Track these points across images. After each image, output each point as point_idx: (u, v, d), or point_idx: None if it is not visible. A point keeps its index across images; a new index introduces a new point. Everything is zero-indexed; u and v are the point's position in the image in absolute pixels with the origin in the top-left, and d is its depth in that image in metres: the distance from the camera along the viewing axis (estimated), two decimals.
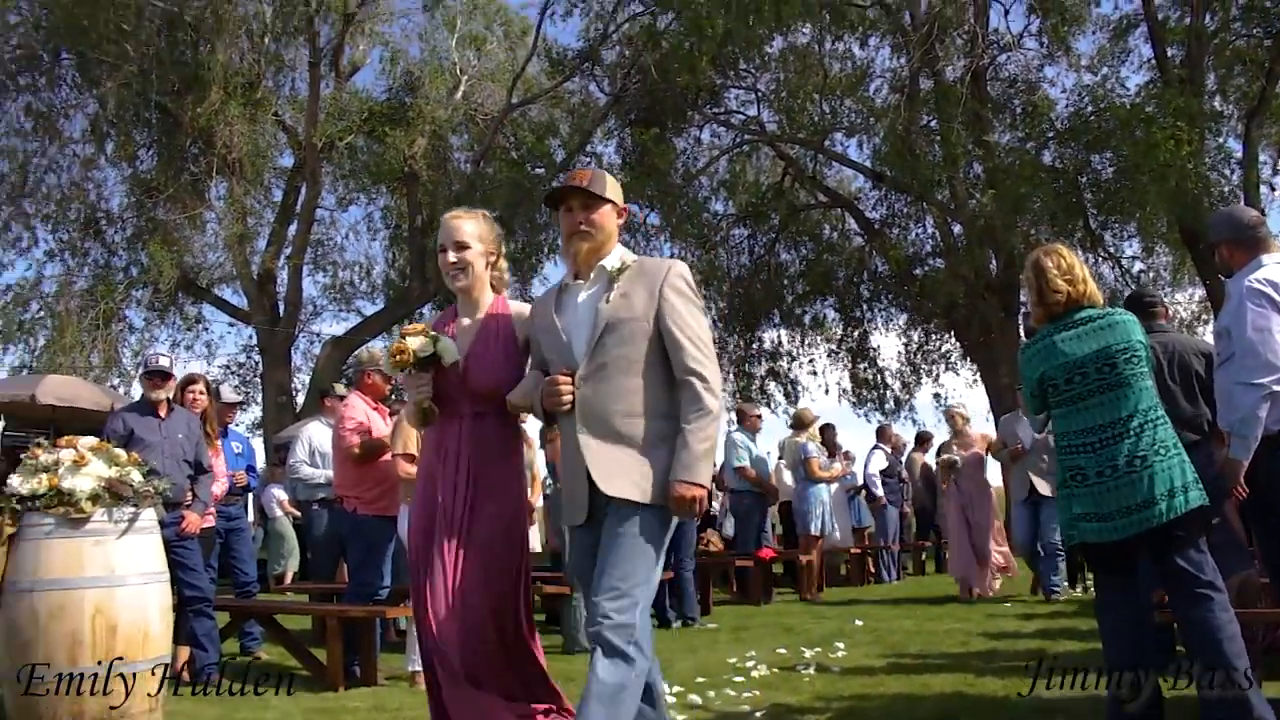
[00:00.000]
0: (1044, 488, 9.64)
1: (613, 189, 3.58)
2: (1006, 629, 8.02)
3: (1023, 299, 20.82)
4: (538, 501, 8.11)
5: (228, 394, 8.51)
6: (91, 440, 5.41)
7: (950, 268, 19.64)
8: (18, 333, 20.07)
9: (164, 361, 6.62)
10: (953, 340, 22.54)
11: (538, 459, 8.08)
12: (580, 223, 3.51)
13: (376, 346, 16.36)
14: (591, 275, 3.51)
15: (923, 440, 15.88)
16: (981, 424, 14.81)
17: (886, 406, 23.41)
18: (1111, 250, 20.35)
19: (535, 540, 7.92)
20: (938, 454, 13.19)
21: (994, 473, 12.64)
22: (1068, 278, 4.07)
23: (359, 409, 6.72)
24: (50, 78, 20.52)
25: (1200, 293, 20.66)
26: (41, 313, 20.50)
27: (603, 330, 3.35)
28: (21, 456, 5.24)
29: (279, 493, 13.12)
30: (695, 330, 3.34)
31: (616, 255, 3.54)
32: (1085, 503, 3.91)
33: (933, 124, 18.99)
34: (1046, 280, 4.10)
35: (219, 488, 7.03)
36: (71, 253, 21.33)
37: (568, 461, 3.44)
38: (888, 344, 36.20)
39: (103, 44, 18.68)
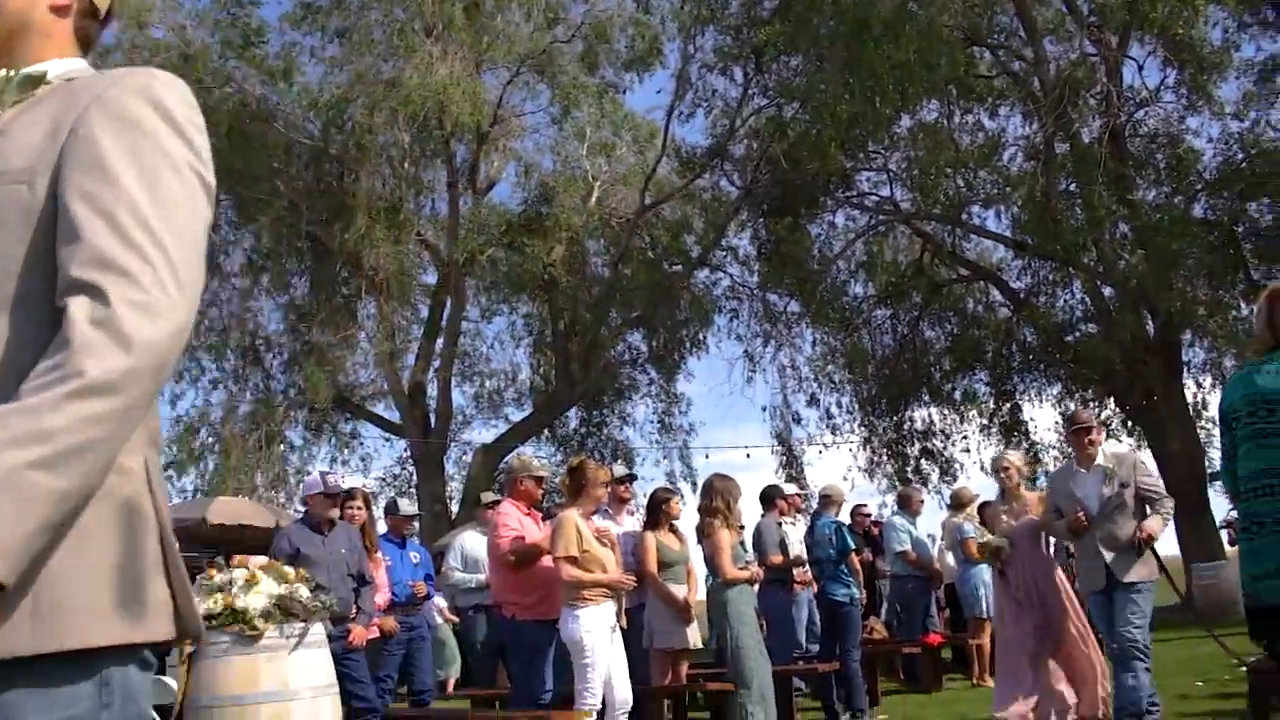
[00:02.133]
0: (1130, 571, 6.55)
1: None
2: (1198, 709, 7.53)
3: (1186, 358, 20.04)
4: (697, 595, 8.02)
5: (405, 506, 8.75)
6: (261, 559, 5.58)
7: (1104, 332, 19.01)
8: (189, 460, 20.97)
9: (341, 482, 6.84)
10: (1113, 406, 21.69)
11: (693, 554, 8.00)
12: None
13: (527, 453, 16.57)
14: None
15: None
16: None
17: (1039, 482, 22.48)
18: None
19: (698, 637, 7.80)
20: (981, 521, 9.29)
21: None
22: None
23: (512, 515, 6.78)
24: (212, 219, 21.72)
25: None
26: (210, 438, 21.43)
27: None
28: (197, 577, 5.43)
29: (439, 600, 13.29)
30: (129, 193, 1.43)
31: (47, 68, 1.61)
32: (1262, 557, 3.49)
33: (1072, 187, 18.58)
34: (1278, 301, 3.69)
35: (381, 598, 7.16)
36: (234, 380, 22.35)
37: None
38: (1042, 415, 34.96)
39: (257, 183, 19.78)
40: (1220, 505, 18.02)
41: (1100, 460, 6.86)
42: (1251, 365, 3.74)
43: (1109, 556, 6.53)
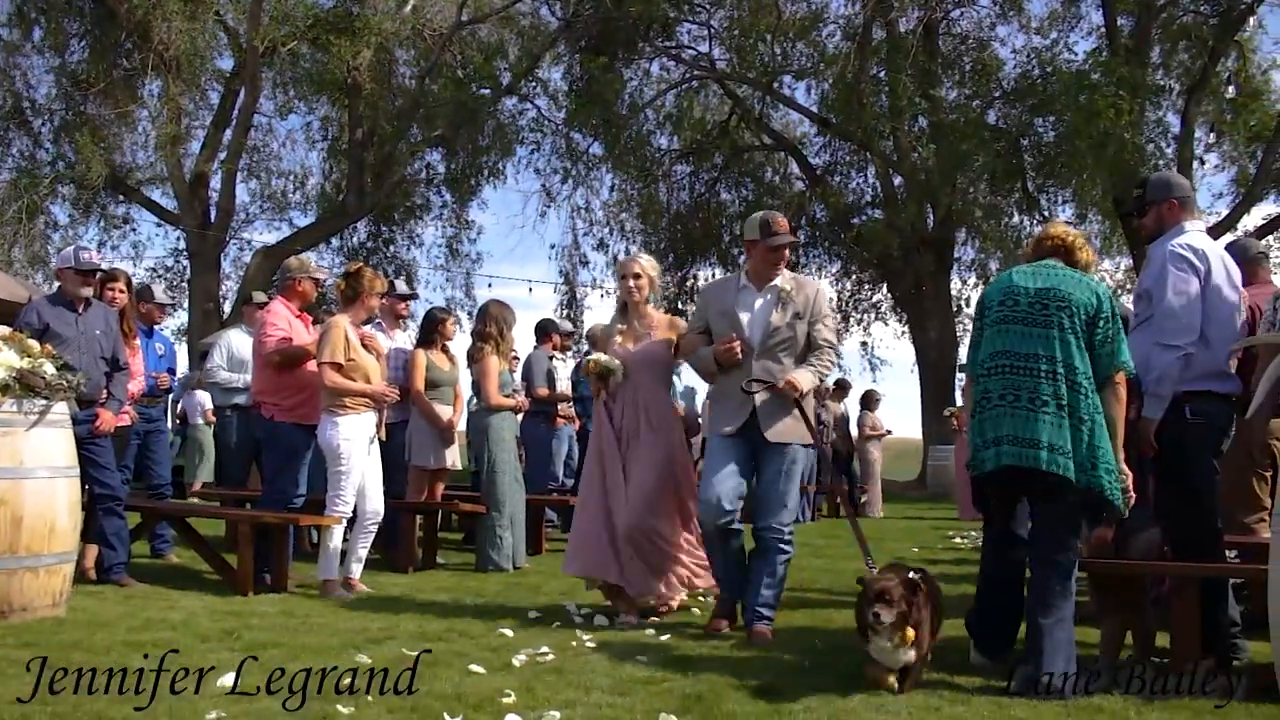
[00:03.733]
0: (779, 424, 5.11)
1: None
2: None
3: (957, 255, 21.17)
4: (460, 423, 8.11)
5: (159, 294, 8.31)
6: (3, 330, 5.29)
7: (888, 219, 19.81)
8: None
9: (96, 259, 6.43)
10: (884, 291, 22.79)
11: (462, 377, 8.07)
12: None
13: (308, 256, 16.14)
14: None
15: (841, 388, 16.04)
16: (907, 374, 14.62)
17: None
18: (1046, 214, 20.63)
19: (457, 459, 7.93)
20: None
21: None
22: (1072, 235, 4.30)
23: (281, 315, 6.64)
24: None
25: (1128, 262, 21.08)
26: None
27: None
28: None
29: (204, 399, 12.97)
30: None
31: None
32: (984, 429, 3.99)
33: (882, 75, 19.03)
34: (1052, 224, 4.42)
35: (135, 386, 6.93)
36: None
37: None
38: None
39: None
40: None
41: (777, 281, 5.25)
42: (1014, 269, 4.26)
43: (759, 399, 5.06)
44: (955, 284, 21.41)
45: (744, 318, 5.20)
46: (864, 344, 23.80)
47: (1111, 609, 4.32)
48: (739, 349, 5.10)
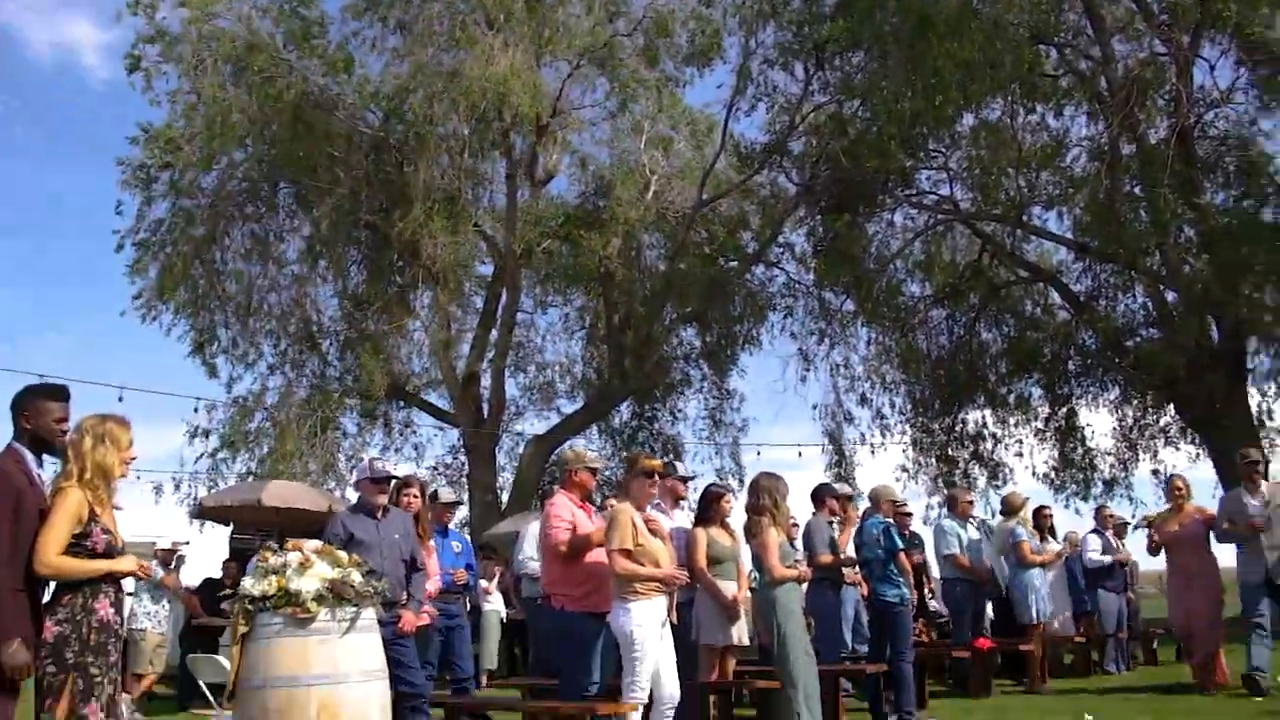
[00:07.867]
0: None
1: None
2: None
3: (1251, 366, 19.61)
4: (745, 592, 7.97)
5: (445, 494, 8.73)
6: (316, 543, 5.64)
7: (1167, 337, 18.67)
8: (244, 442, 21.24)
9: (389, 468, 6.87)
10: (1172, 414, 21.30)
11: (743, 552, 7.96)
12: None
13: (580, 445, 16.62)
14: None
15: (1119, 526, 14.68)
16: (1208, 500, 13.32)
17: (1094, 489, 22.01)
18: None
19: (744, 635, 7.76)
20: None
21: None
22: None
23: (565, 507, 6.78)
24: (270, 205, 22.13)
25: None
26: (265, 422, 21.68)
27: None
28: (253, 559, 5.51)
29: (491, 591, 13.31)
30: None
31: None
32: None
33: (1137, 190, 18.26)
34: None
35: (432, 585, 7.20)
36: (291, 365, 22.61)
37: None
38: (1098, 421, 34.61)
39: (316, 171, 20.01)
40: None
41: None
42: None
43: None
44: (1255, 396, 19.77)
45: None
46: (1155, 472, 22.17)
47: None
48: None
